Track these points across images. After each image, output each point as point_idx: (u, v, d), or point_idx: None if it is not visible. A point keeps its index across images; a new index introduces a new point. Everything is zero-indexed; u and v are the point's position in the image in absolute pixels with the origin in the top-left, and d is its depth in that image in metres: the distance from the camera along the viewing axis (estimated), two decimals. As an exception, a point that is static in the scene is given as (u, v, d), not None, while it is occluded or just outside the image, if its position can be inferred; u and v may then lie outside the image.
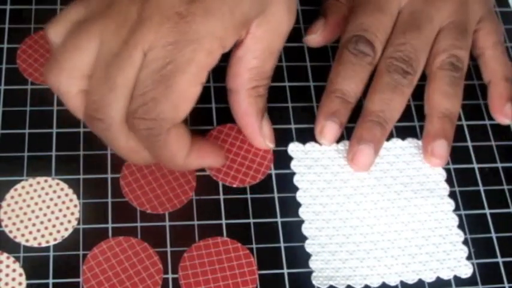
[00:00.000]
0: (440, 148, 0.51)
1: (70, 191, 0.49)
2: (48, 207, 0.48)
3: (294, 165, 0.51)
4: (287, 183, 0.51)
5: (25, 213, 0.47)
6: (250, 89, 0.48)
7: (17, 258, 0.46)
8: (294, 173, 0.51)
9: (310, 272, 0.48)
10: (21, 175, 0.49)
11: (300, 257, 0.48)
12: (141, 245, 0.47)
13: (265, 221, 0.49)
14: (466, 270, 0.49)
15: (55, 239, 0.47)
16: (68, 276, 0.46)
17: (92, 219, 0.48)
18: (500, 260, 0.49)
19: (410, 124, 0.54)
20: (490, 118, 0.55)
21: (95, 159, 0.50)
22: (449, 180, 0.52)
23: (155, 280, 0.46)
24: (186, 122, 0.51)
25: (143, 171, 0.49)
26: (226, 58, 0.47)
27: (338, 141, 0.52)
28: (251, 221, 0.49)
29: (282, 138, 0.52)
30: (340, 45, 0.53)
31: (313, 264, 0.48)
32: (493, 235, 0.50)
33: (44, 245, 0.47)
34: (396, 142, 0.53)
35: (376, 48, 0.52)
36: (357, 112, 0.52)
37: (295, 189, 0.50)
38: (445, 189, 0.52)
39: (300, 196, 0.50)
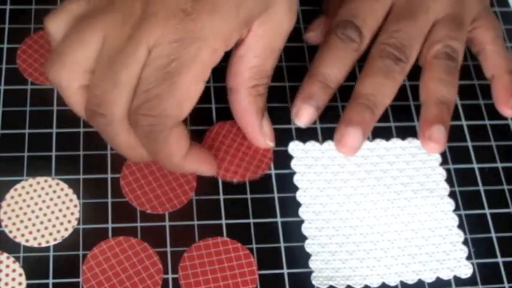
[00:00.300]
0: (438, 133, 0.50)
1: (70, 191, 0.49)
2: (48, 207, 0.48)
3: (294, 164, 0.51)
4: (287, 183, 0.51)
5: (25, 213, 0.47)
6: (250, 87, 0.48)
7: (17, 258, 0.46)
8: (294, 173, 0.51)
9: (310, 272, 0.48)
10: (21, 175, 0.49)
11: (299, 257, 0.48)
12: (141, 245, 0.47)
13: (265, 221, 0.49)
14: (466, 270, 0.49)
15: (55, 239, 0.47)
16: (68, 276, 0.46)
17: (92, 219, 0.48)
18: (500, 260, 0.49)
19: (410, 124, 0.54)
20: (490, 118, 0.55)
21: (95, 159, 0.50)
22: (449, 180, 0.52)
23: (155, 280, 0.46)
24: (186, 122, 0.51)
25: (143, 171, 0.49)
26: (226, 58, 0.47)
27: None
28: (251, 221, 0.49)
29: (282, 138, 0.52)
30: (329, 29, 0.53)
31: (313, 264, 0.48)
32: (493, 235, 0.50)
33: (44, 245, 0.47)
34: (396, 142, 0.53)
35: (364, 35, 0.52)
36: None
37: (295, 188, 0.50)
38: (445, 189, 0.52)
39: (300, 196, 0.50)
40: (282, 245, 0.48)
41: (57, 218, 0.48)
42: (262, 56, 0.47)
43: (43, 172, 0.49)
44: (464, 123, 0.55)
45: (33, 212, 0.48)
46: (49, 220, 0.47)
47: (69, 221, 0.48)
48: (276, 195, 0.50)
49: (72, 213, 0.48)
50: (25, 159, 0.49)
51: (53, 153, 0.50)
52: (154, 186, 0.49)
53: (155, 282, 0.46)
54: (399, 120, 0.53)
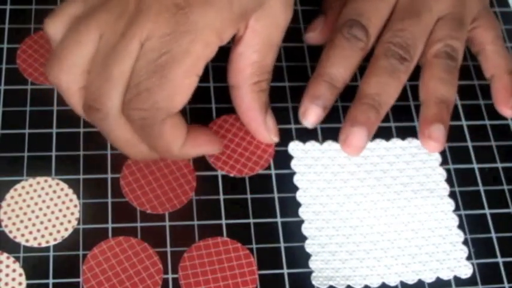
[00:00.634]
0: (438, 132, 0.50)
1: (70, 191, 0.49)
2: (48, 207, 0.48)
3: (294, 164, 0.51)
4: (287, 183, 0.51)
5: (25, 213, 0.47)
6: (252, 84, 0.48)
7: (17, 258, 0.46)
8: (294, 173, 0.51)
9: (310, 272, 0.48)
10: (21, 175, 0.49)
11: (299, 257, 0.48)
12: (141, 245, 0.47)
13: (265, 221, 0.49)
14: (466, 270, 0.49)
15: (55, 239, 0.47)
16: (68, 276, 0.46)
17: (92, 219, 0.48)
18: (500, 260, 0.49)
19: (410, 124, 0.54)
20: (490, 118, 0.55)
21: (95, 159, 0.50)
22: (449, 180, 0.52)
23: (155, 280, 0.46)
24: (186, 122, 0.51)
25: (143, 171, 0.49)
26: (226, 58, 0.47)
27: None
28: (251, 221, 0.49)
29: (282, 138, 0.52)
30: (334, 29, 0.53)
31: (313, 264, 0.48)
32: (493, 235, 0.50)
33: (44, 245, 0.47)
34: (396, 142, 0.53)
35: (370, 34, 0.52)
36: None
37: (295, 189, 0.50)
38: (445, 189, 0.52)
39: (300, 196, 0.50)
40: (282, 245, 0.48)
41: (57, 218, 0.48)
42: (262, 51, 0.47)
43: (43, 172, 0.49)
44: (464, 123, 0.55)
45: (33, 212, 0.48)
46: (49, 220, 0.47)
47: (69, 221, 0.47)
48: (276, 195, 0.50)
49: (72, 213, 0.48)
50: (25, 159, 0.49)
51: (53, 153, 0.50)
52: (154, 186, 0.49)
53: (155, 282, 0.46)
54: (399, 120, 0.53)
